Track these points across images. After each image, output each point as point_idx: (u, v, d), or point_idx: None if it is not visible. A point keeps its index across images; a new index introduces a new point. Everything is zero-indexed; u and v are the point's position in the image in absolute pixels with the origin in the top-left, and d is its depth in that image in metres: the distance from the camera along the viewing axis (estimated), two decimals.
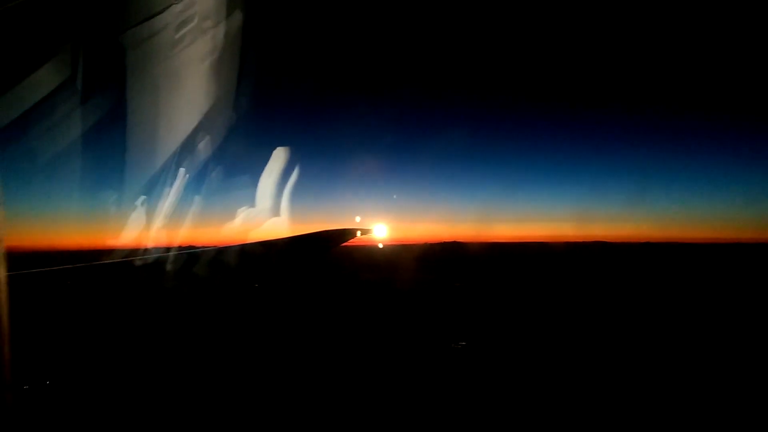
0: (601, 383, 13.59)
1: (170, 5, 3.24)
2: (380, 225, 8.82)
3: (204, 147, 5.14)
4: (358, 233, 8.27)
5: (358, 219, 8.61)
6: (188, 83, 4.29)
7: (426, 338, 19.31)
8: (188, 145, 4.68)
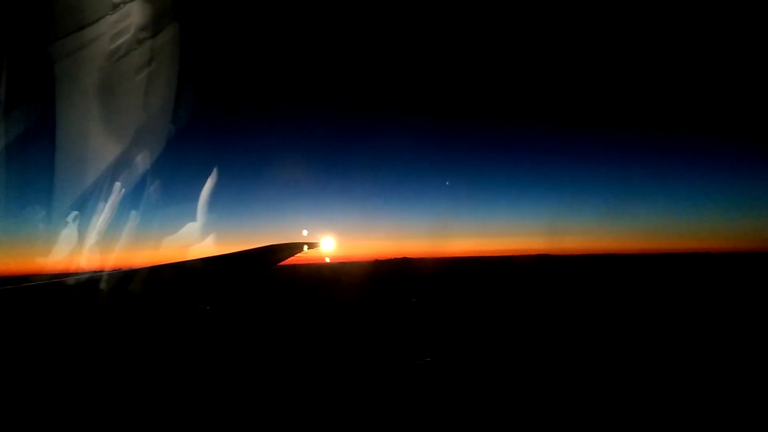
0: (566, 395, 14.00)
1: (104, 15, 3.21)
2: (328, 238, 8.69)
3: (141, 160, 4.96)
4: (306, 248, 8.17)
5: (305, 233, 8.49)
6: (123, 95, 4.17)
7: (391, 355, 19.21)
8: (124, 159, 4.51)
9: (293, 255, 7.95)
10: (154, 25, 4.00)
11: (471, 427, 11.59)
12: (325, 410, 12.14)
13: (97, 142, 4.14)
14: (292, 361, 17.96)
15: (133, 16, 3.64)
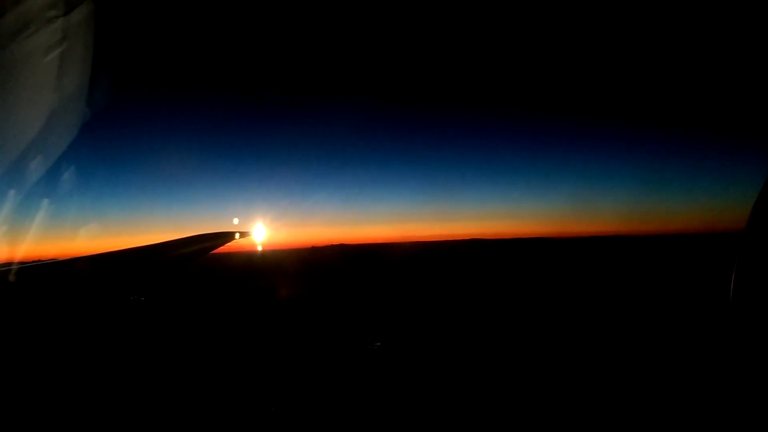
0: (512, 372, 14.63)
1: None
2: (260, 226, 8.50)
3: (54, 146, 4.63)
4: (237, 236, 8.00)
5: (236, 221, 8.25)
6: (30, 77, 3.88)
7: (339, 341, 19.16)
8: (35, 144, 4.21)
9: (225, 244, 7.80)
10: (67, 3, 3.76)
11: (427, 404, 12.07)
12: (277, 399, 12.07)
13: (4, 126, 3.82)
14: (238, 349, 17.49)
15: None
